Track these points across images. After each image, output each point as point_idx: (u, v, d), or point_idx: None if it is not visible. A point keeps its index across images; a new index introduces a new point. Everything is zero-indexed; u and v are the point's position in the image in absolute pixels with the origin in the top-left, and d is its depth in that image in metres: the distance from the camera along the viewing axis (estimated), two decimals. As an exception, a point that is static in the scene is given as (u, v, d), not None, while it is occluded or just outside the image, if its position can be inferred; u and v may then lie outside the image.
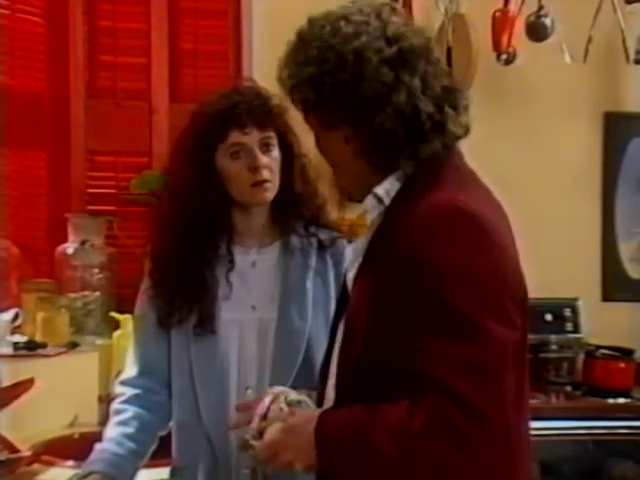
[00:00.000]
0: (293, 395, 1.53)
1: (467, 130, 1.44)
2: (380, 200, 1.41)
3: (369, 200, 1.42)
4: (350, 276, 1.47)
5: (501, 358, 1.27)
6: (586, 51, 3.35)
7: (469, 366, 1.24)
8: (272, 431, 1.42)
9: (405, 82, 1.36)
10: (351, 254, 1.55)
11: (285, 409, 1.48)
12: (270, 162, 1.88)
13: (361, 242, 1.48)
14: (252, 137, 1.86)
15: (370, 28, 1.37)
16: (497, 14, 3.37)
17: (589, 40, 3.35)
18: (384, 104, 1.36)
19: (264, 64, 3.32)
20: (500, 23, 3.37)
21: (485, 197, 1.40)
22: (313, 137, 1.49)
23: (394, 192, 1.40)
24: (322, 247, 1.95)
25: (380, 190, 1.41)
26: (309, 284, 1.90)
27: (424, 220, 1.30)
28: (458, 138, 1.43)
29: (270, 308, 1.89)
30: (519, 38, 3.38)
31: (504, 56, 3.39)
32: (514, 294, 1.33)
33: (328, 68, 1.36)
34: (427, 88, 1.38)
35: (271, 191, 1.88)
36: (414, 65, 1.37)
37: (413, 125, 1.37)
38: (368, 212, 1.44)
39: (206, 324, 1.87)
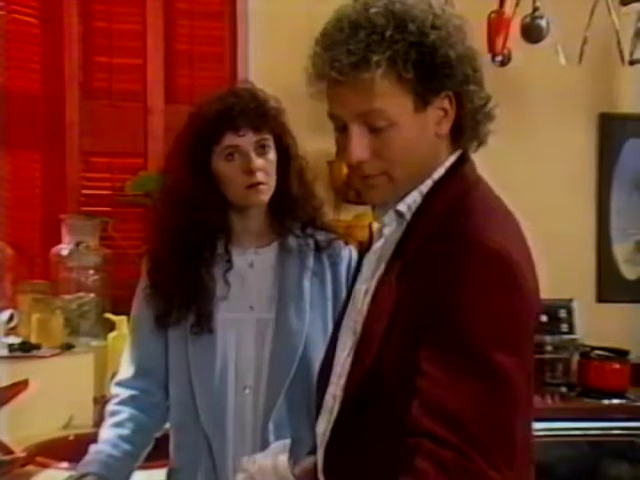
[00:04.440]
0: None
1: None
2: (401, 215, 1.40)
3: (389, 215, 1.40)
4: (362, 287, 1.44)
5: (517, 396, 1.26)
6: (581, 52, 3.36)
7: (484, 411, 1.22)
8: None
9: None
10: (360, 264, 1.53)
11: None
12: (265, 164, 1.87)
13: (375, 255, 1.45)
14: (247, 139, 1.86)
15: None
16: (492, 15, 3.37)
17: (584, 41, 3.35)
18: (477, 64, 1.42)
19: (260, 65, 3.33)
20: (495, 25, 3.36)
21: (511, 227, 1.39)
22: (370, 137, 1.34)
23: (415, 207, 1.39)
24: (319, 248, 1.95)
25: (402, 206, 1.39)
26: (306, 284, 1.91)
27: (452, 258, 1.28)
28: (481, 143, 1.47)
29: (268, 308, 1.90)
30: (514, 39, 3.38)
31: (499, 58, 3.38)
32: (531, 332, 1.33)
33: (449, 30, 1.37)
34: None
35: (266, 193, 1.88)
36: None
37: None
38: (387, 225, 1.41)
39: (204, 323, 1.87)
